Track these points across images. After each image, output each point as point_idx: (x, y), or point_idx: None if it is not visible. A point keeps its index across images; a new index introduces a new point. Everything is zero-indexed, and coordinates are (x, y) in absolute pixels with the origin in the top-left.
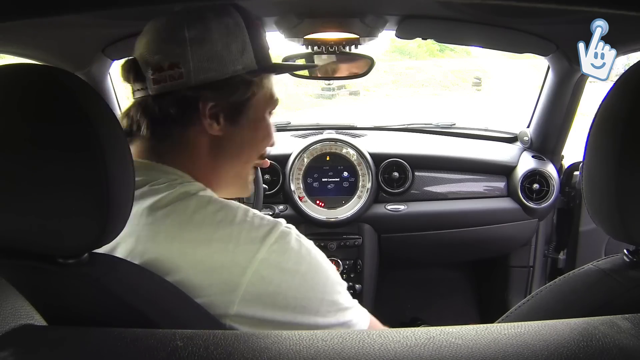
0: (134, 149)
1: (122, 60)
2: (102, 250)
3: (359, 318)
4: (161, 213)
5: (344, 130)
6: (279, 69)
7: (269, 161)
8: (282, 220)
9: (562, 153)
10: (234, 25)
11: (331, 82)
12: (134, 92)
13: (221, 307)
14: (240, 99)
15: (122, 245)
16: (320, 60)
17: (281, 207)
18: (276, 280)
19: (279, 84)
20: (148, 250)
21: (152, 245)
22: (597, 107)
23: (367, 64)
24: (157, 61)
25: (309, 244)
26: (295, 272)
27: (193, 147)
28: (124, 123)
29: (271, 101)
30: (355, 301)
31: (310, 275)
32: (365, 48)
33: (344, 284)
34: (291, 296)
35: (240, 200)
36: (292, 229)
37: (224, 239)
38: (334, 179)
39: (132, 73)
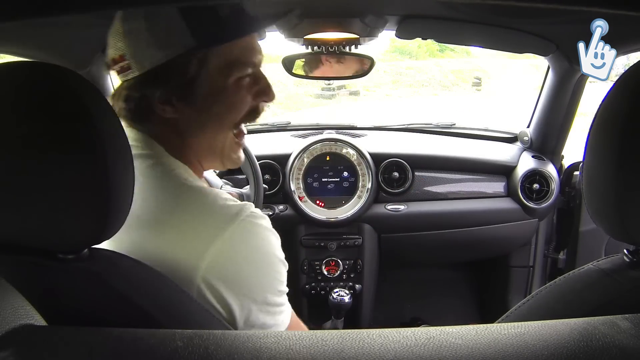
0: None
1: None
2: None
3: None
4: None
5: (344, 130)
6: (222, 37)
7: (243, 136)
8: (249, 204)
9: (562, 153)
10: (163, 8)
11: (331, 82)
12: None
13: (187, 272)
14: (183, 80)
15: None
16: (320, 60)
17: (281, 207)
18: (239, 258)
19: (276, 81)
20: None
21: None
22: (597, 107)
23: (367, 64)
24: (110, 55)
25: (272, 235)
26: (254, 256)
27: (159, 133)
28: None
29: (233, 67)
30: (286, 306)
31: (265, 264)
32: (365, 48)
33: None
34: (245, 277)
35: (240, 198)
36: (257, 210)
37: (194, 217)
38: (334, 179)
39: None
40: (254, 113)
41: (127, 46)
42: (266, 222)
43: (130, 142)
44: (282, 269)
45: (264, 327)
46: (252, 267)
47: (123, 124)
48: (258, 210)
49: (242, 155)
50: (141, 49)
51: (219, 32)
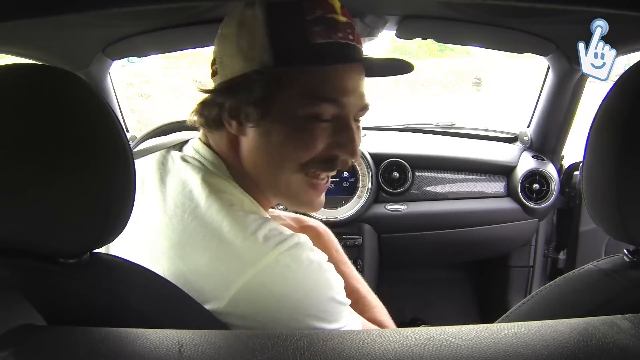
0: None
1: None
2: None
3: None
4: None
5: None
6: (308, 64)
7: (323, 181)
8: (301, 235)
9: (562, 153)
10: (251, 18)
11: None
12: None
13: (211, 302)
14: (253, 98)
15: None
16: None
17: (281, 207)
18: (277, 289)
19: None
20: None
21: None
22: (597, 107)
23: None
24: (213, 56)
25: (320, 259)
26: (289, 294)
27: (225, 150)
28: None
29: (305, 99)
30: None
31: (306, 302)
32: (365, 48)
33: (348, 317)
34: (288, 307)
35: None
36: (307, 242)
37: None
38: (334, 179)
39: None
40: (328, 162)
41: (218, 50)
42: (317, 256)
43: (200, 159)
44: (330, 306)
45: None
46: (284, 306)
47: (199, 133)
48: (308, 242)
49: (319, 201)
50: (227, 56)
51: (298, 55)
